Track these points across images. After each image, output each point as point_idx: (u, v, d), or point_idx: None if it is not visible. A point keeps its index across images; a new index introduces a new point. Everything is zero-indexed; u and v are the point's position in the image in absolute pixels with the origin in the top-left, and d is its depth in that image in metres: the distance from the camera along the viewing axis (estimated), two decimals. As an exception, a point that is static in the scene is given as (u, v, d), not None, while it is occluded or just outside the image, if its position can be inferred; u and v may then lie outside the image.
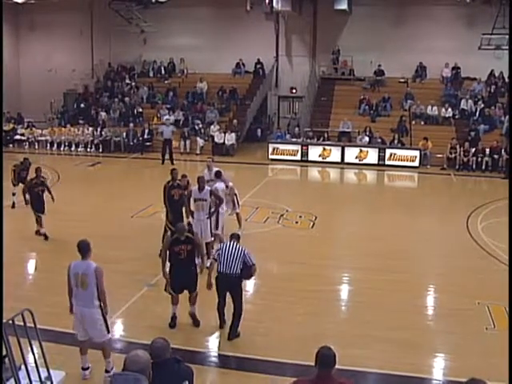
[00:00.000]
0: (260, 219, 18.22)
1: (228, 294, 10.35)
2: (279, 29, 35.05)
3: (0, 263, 7.83)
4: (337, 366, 5.71)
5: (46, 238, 16.12)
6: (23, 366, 6.80)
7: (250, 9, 32.59)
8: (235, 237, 10.63)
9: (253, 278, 10.82)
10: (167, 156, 28.13)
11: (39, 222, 16.31)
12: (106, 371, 8.95)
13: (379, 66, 32.95)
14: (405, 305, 11.92)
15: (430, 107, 30.86)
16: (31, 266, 15.01)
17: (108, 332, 8.91)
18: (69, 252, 14.11)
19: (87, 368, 8.94)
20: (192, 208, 13.99)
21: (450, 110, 30.39)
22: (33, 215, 16.35)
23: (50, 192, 16.73)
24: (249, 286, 12.87)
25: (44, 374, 6.95)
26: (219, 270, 10.22)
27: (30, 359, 7.04)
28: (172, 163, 26.71)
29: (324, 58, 34.51)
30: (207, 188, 13.90)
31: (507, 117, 28.58)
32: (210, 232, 13.88)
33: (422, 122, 30.80)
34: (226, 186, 15.43)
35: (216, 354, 9.94)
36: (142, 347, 5.70)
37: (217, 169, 15.89)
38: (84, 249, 8.68)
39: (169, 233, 11.25)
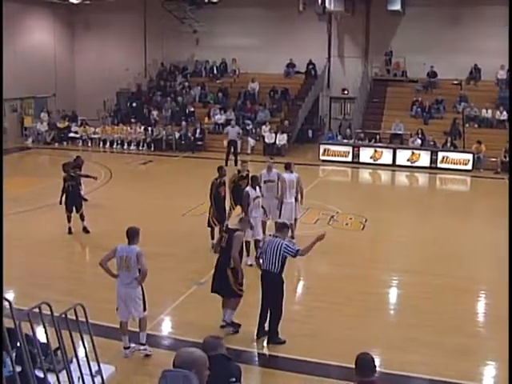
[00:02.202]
0: (310, 220, 18.17)
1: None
2: (331, 29, 34.84)
3: (0, 262, 7.97)
4: (384, 371, 5.67)
5: (71, 232, 16.39)
6: (74, 359, 6.91)
7: (302, 9, 32.50)
8: (279, 227, 10.38)
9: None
10: (231, 157, 27.86)
11: (69, 218, 16.39)
12: (141, 344, 9.56)
13: (432, 67, 32.52)
14: (455, 310, 11.76)
15: (484, 110, 30.36)
16: (83, 262, 15.28)
17: (144, 310, 9.55)
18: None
19: (128, 347, 9.57)
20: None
21: (504, 112, 29.76)
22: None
23: (80, 183, 17.53)
24: (297, 286, 12.88)
25: (94, 368, 7.04)
26: (262, 266, 10.09)
27: (81, 353, 7.15)
28: (236, 164, 26.40)
29: (376, 59, 34.23)
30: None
31: None
32: (261, 229, 14.20)
33: (476, 125, 30.27)
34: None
35: (262, 354, 9.96)
36: (191, 345, 5.74)
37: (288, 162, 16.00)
38: (131, 234, 9.45)
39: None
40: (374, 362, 5.66)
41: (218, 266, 10.42)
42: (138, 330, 9.64)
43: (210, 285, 10.54)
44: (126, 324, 9.61)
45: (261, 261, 10.13)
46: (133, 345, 9.65)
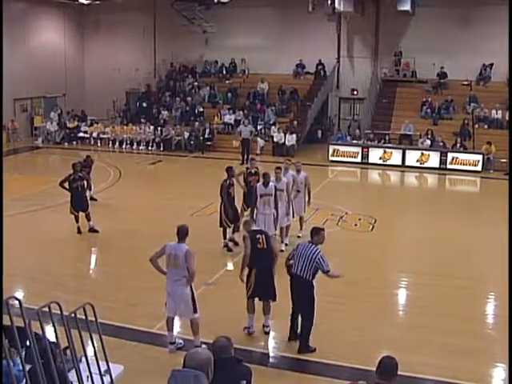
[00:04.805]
0: (319, 221, 18.07)
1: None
2: (341, 30, 34.72)
3: (0, 262, 8.00)
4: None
5: (80, 232, 16.35)
6: (84, 359, 6.91)
7: (311, 9, 32.45)
8: (313, 232, 9.99)
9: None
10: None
11: (77, 218, 16.37)
12: (196, 346, 9.36)
13: (442, 68, 32.43)
14: (466, 311, 11.72)
15: (494, 111, 30.23)
16: (92, 261, 15.31)
17: (195, 311, 9.56)
18: (128, 248, 14.32)
19: (173, 343, 9.80)
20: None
21: (515, 113, 29.65)
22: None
23: (89, 188, 17.78)
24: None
25: (103, 367, 7.04)
26: (292, 271, 9.83)
27: (90, 352, 7.15)
28: (246, 162, 26.23)
29: (386, 59, 34.11)
30: (272, 184, 14.30)
31: None
32: (273, 226, 14.27)
33: (486, 126, 30.13)
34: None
35: (274, 355, 9.95)
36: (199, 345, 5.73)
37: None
38: (181, 233, 9.68)
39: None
40: (397, 368, 5.63)
41: (265, 270, 10.14)
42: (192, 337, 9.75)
43: (254, 291, 10.24)
44: (172, 320, 9.78)
45: (291, 262, 9.89)
46: (180, 341, 9.86)
